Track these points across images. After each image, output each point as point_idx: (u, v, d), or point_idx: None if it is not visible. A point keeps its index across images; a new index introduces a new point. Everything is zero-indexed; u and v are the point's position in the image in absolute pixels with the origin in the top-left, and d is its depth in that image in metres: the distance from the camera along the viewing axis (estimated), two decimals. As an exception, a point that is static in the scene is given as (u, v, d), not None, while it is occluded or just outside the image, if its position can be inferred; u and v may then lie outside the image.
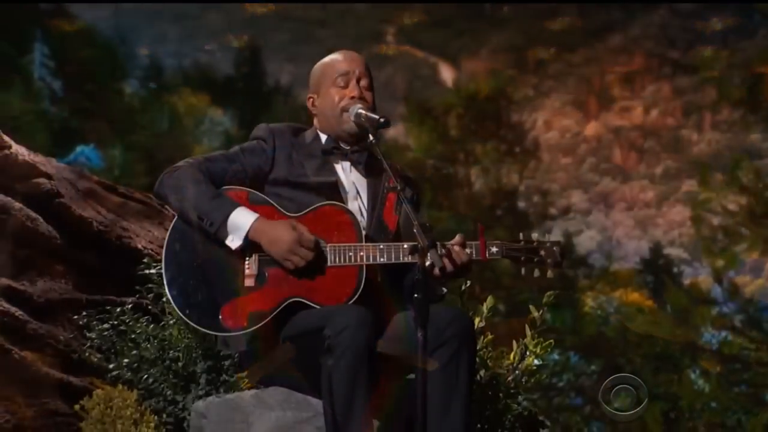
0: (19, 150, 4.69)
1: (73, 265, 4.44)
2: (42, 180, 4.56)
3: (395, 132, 12.53)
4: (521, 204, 16.87)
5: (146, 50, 12.07)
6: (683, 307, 11.60)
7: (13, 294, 4.05)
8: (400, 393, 2.77)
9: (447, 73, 13.25)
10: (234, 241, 2.98)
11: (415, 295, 2.56)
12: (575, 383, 15.30)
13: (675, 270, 16.67)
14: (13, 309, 3.92)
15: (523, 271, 3.13)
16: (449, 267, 2.94)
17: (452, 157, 16.53)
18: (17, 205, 4.37)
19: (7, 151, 4.59)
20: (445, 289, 3.18)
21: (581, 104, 13.55)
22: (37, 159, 4.76)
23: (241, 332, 2.98)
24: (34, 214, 4.42)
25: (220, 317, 2.98)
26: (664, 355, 12.33)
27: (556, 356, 15.45)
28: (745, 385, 11.16)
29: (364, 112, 3.06)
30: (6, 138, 4.64)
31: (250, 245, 2.99)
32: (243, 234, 2.97)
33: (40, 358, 3.85)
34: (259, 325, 2.97)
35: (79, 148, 16.66)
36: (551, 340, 3.86)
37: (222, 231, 2.98)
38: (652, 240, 13.87)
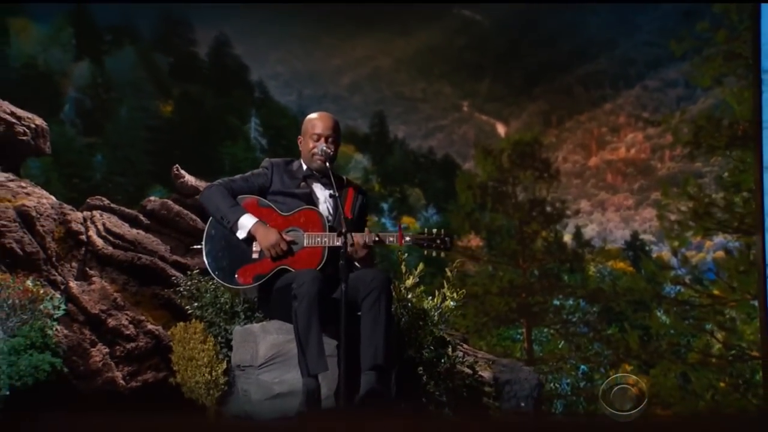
0: (190, 179, 5.66)
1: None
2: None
3: (469, 165, 15.83)
4: (548, 209, 19.56)
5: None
6: (652, 271, 13.51)
7: (178, 265, 4.98)
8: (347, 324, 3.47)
9: (501, 129, 15.29)
10: (241, 234, 3.91)
11: (341, 262, 3.57)
12: (583, 318, 18.37)
13: (647, 248, 18.75)
14: (178, 274, 4.82)
15: (425, 252, 3.90)
16: (358, 249, 3.83)
17: (504, 180, 19.28)
18: (185, 211, 5.45)
19: (182, 180, 5.67)
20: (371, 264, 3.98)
21: (586, 146, 16.56)
22: (199, 183, 5.67)
23: (248, 287, 3.91)
24: (194, 216, 5.41)
25: (236, 277, 3.87)
26: (640, 301, 14.82)
27: (570, 302, 18.32)
28: (692, 319, 13.11)
29: (325, 149, 3.99)
30: (182, 171, 5.73)
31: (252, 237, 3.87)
32: (246, 231, 3.90)
33: (190, 304, 4.50)
34: (260, 282, 3.89)
35: (277, 181, 21.13)
36: (464, 290, 4.41)
37: (234, 227, 3.91)
38: (632, 230, 16.03)
